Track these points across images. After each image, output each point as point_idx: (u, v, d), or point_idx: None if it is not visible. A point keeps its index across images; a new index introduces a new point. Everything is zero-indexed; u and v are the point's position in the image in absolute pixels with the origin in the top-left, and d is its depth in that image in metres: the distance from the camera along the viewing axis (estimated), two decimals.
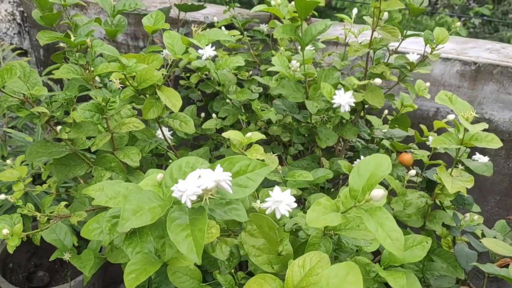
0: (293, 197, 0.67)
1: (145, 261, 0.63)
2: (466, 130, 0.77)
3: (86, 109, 0.82)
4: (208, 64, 1.20)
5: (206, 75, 1.52)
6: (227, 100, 1.35)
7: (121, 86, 0.86)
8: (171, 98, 0.98)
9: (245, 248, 0.65)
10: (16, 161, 1.17)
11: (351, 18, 1.24)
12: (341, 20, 1.23)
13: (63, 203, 0.82)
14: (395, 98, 1.14)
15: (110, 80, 0.90)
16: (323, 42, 1.69)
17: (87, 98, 1.76)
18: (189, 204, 0.50)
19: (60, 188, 1.25)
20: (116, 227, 0.64)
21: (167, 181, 0.65)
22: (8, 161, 1.18)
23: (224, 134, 0.80)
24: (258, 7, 1.02)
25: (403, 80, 1.09)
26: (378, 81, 1.00)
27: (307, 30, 0.99)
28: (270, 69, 1.21)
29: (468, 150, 1.11)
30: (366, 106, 1.12)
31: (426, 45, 1.05)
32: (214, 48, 1.18)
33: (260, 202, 0.70)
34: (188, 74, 1.62)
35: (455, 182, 0.79)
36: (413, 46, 1.68)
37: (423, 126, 1.14)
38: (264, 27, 1.75)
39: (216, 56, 1.38)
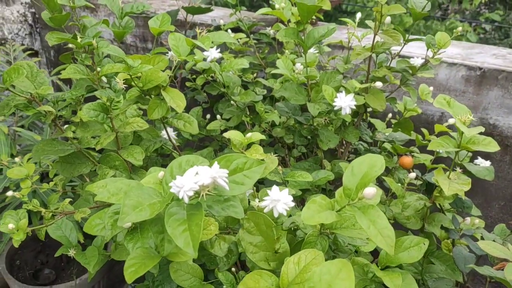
0: (291, 196, 0.68)
1: (144, 256, 0.65)
2: (463, 133, 0.78)
3: (91, 108, 0.84)
4: (213, 66, 1.22)
5: (211, 77, 1.55)
6: (232, 102, 1.37)
7: (126, 87, 0.88)
8: (176, 99, 1.00)
9: (243, 245, 0.67)
10: (24, 159, 1.20)
11: (354, 23, 1.26)
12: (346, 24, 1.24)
13: (68, 200, 0.84)
14: (397, 102, 1.15)
15: (115, 81, 0.92)
16: (328, 45, 1.71)
17: (95, 98, 1.79)
18: (186, 200, 0.52)
19: (66, 186, 1.28)
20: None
21: (167, 179, 0.67)
22: (17, 159, 1.21)
23: (225, 134, 0.82)
24: (263, 10, 1.04)
25: (405, 84, 1.10)
26: (379, 84, 1.01)
27: (310, 34, 1.00)
28: (274, 71, 1.23)
29: (470, 154, 1.11)
30: (369, 109, 1.13)
31: (428, 49, 1.06)
32: (219, 50, 1.20)
33: (259, 201, 0.72)
34: (194, 76, 1.65)
35: (452, 185, 0.80)
36: (418, 51, 1.69)
37: (424, 130, 1.15)
38: (270, 30, 1.77)
39: (221, 58, 1.40)
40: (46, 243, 1.97)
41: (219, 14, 2.27)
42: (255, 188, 0.83)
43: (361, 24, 1.42)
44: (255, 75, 1.41)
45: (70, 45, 1.24)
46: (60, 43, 2.13)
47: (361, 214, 0.54)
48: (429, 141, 1.12)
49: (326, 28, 1.01)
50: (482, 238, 0.96)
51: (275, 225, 0.66)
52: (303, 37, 1.00)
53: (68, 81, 2.27)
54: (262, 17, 2.11)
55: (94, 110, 0.85)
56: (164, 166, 1.46)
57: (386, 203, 0.99)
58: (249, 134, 0.80)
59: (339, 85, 1.05)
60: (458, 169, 0.88)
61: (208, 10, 1.78)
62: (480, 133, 1.78)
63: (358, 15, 1.25)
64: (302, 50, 1.68)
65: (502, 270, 0.79)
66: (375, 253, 0.95)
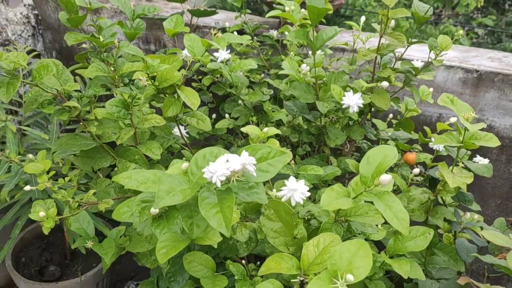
0: (307, 186, 0.73)
1: (173, 239, 0.69)
2: (466, 129, 0.83)
3: (113, 104, 0.88)
4: (223, 67, 1.26)
5: (217, 77, 1.59)
6: (239, 102, 1.41)
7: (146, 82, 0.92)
8: (190, 97, 1.04)
9: (264, 230, 0.71)
10: (38, 155, 1.23)
11: (359, 26, 1.31)
12: (350, 27, 1.29)
13: (92, 191, 0.88)
14: (400, 102, 1.20)
15: (133, 80, 0.96)
16: (330, 48, 1.76)
17: (102, 99, 1.82)
18: (218, 184, 0.56)
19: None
20: (146, 210, 0.70)
21: (192, 169, 0.71)
22: (30, 156, 1.25)
23: (243, 129, 0.86)
24: (273, 12, 1.08)
25: (408, 84, 1.15)
26: (385, 84, 1.06)
27: (318, 35, 1.05)
28: (281, 72, 1.27)
29: (469, 152, 1.17)
30: (372, 109, 1.18)
31: (430, 51, 1.11)
32: (228, 51, 1.25)
33: (276, 191, 0.76)
34: (200, 77, 1.69)
35: (455, 178, 0.85)
36: (418, 54, 1.75)
37: (427, 128, 1.20)
38: (274, 33, 1.82)
39: (228, 59, 1.45)
40: (50, 241, 2.00)
41: (221, 17, 2.32)
42: (269, 181, 0.87)
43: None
44: (262, 75, 1.46)
45: (83, 45, 1.29)
46: (62, 46, 2.14)
47: (377, 200, 0.59)
48: (431, 138, 1.17)
49: (334, 30, 1.06)
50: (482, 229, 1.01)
51: (294, 212, 0.71)
52: (312, 39, 1.04)
53: (75, 80, 2.30)
54: (265, 20, 2.16)
55: (116, 106, 0.89)
56: None
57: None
58: (265, 129, 0.84)
59: (346, 85, 1.10)
60: (461, 164, 0.93)
61: (213, 13, 1.83)
62: None
63: (363, 18, 1.30)
64: (306, 52, 1.74)
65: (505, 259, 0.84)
66: (380, 247, 1.00)
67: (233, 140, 1.62)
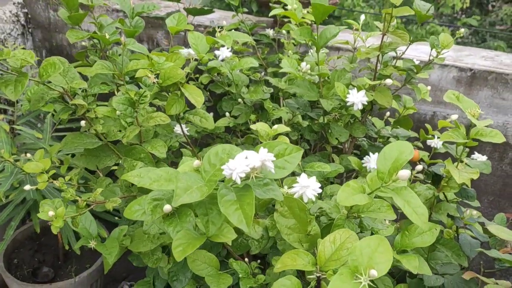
0: (319, 183, 0.73)
1: (189, 237, 0.68)
2: (472, 125, 0.84)
3: (120, 102, 0.88)
4: (224, 65, 1.26)
5: (215, 76, 1.59)
6: (239, 100, 1.41)
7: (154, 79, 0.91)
8: (194, 95, 1.04)
9: (278, 227, 0.71)
10: (36, 154, 1.22)
11: (359, 24, 1.32)
12: (350, 26, 1.30)
13: (99, 190, 0.87)
14: (400, 100, 1.21)
15: (134, 78, 0.95)
16: (326, 47, 1.77)
17: (99, 97, 1.80)
18: (238, 181, 0.56)
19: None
20: (158, 208, 0.70)
21: (205, 166, 0.71)
22: (28, 155, 1.23)
23: (252, 127, 0.86)
24: (276, 11, 1.09)
25: (410, 82, 1.16)
26: (389, 81, 1.07)
27: (322, 34, 1.06)
28: (281, 70, 1.27)
29: (468, 150, 1.18)
30: (373, 107, 1.19)
31: (432, 49, 1.12)
32: (230, 49, 1.24)
33: (288, 188, 0.76)
34: (197, 75, 1.68)
35: (462, 174, 0.86)
36: (413, 53, 1.76)
37: (428, 126, 1.21)
38: (270, 32, 1.82)
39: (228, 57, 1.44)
40: (42, 242, 1.97)
41: (216, 16, 2.31)
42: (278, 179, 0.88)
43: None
44: (262, 74, 1.46)
45: (83, 43, 1.27)
46: (52, 44, 2.12)
47: (396, 195, 0.59)
48: (433, 135, 1.19)
49: (338, 29, 1.07)
50: (484, 227, 1.03)
51: (308, 208, 0.71)
52: (315, 37, 1.05)
53: None
54: (259, 19, 2.16)
55: (122, 104, 0.88)
56: (172, 162, 1.49)
57: None
58: (275, 126, 0.84)
59: (349, 83, 1.10)
60: (465, 160, 0.94)
61: (210, 11, 1.82)
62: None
63: (362, 17, 1.31)
64: (302, 51, 1.74)
65: (509, 254, 0.86)
66: None
67: (231, 138, 1.62)
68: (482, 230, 1.10)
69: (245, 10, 1.81)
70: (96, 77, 1.13)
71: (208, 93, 1.75)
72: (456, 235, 1.04)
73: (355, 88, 1.03)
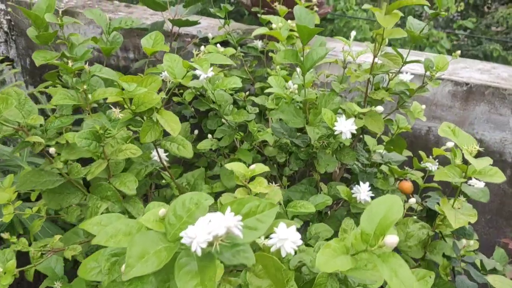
0: (299, 234, 0.65)
1: None
2: (469, 163, 0.77)
3: (82, 137, 0.79)
4: (205, 85, 1.18)
5: (200, 92, 1.50)
6: (223, 120, 1.33)
7: (120, 114, 0.83)
8: (170, 122, 0.96)
9: None
10: (5, 181, 1.13)
11: (350, 37, 1.24)
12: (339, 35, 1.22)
13: (58, 237, 0.78)
14: (393, 123, 1.13)
15: (109, 107, 0.87)
16: None
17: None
18: (199, 252, 0.48)
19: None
20: (116, 266, 0.62)
21: (170, 218, 0.63)
22: None
23: (227, 166, 0.78)
24: (260, 30, 1.01)
25: (402, 106, 1.09)
26: (380, 108, 0.99)
27: (309, 56, 0.98)
28: (267, 90, 1.20)
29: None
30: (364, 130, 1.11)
31: (426, 72, 1.05)
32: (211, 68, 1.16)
33: (265, 238, 0.69)
34: (181, 90, 1.60)
35: (458, 216, 0.79)
36: (408, 66, 1.69)
37: (422, 153, 1.14)
38: (258, 44, 1.74)
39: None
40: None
41: (203, 25, 2.22)
42: None
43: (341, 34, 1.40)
44: (247, 93, 1.38)
45: (55, 62, 1.19)
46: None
47: (381, 263, 0.51)
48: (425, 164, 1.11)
49: (325, 50, 0.99)
50: (482, 265, 0.95)
51: (285, 268, 0.63)
52: (301, 59, 0.97)
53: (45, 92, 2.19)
54: (249, 27, 2.08)
55: (86, 139, 0.80)
56: (155, 185, 1.41)
57: None
58: (252, 166, 0.76)
59: (337, 108, 1.03)
60: (461, 197, 0.87)
61: (195, 23, 1.74)
62: None
63: (353, 33, 1.23)
64: (293, 65, 1.66)
65: None
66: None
67: (216, 157, 1.54)
68: (480, 264, 1.02)
69: (232, 21, 1.74)
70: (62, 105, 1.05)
71: (193, 109, 1.67)
72: (452, 274, 0.97)
73: (344, 115, 0.96)
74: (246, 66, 1.67)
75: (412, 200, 0.97)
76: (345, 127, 0.93)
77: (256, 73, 1.69)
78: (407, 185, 1.04)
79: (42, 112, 1.99)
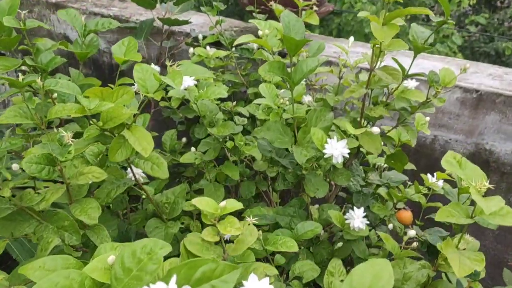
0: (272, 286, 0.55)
1: None
2: (476, 203, 0.66)
3: (33, 162, 0.69)
4: (187, 95, 1.08)
5: (186, 99, 1.40)
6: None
7: (72, 141, 0.73)
8: (142, 141, 0.86)
9: None
10: None
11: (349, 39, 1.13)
12: (339, 33, 1.11)
13: (1, 276, 0.69)
14: (393, 140, 1.02)
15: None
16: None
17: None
18: None
19: None
20: None
21: (117, 271, 0.53)
22: None
23: (194, 202, 0.67)
24: (244, 38, 0.90)
25: (403, 123, 0.98)
26: (376, 130, 0.88)
27: (298, 68, 0.87)
28: (256, 101, 1.09)
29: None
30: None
31: (430, 87, 0.93)
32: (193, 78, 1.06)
33: None
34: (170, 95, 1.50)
35: (463, 262, 0.68)
36: (414, 69, 1.56)
37: (424, 176, 1.03)
38: (254, 45, 1.63)
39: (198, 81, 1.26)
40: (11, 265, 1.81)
41: (198, 22, 2.11)
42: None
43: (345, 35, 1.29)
44: (234, 103, 1.27)
45: (22, 67, 1.09)
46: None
47: None
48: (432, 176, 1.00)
49: (317, 61, 0.88)
50: None
51: None
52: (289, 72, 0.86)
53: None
54: (246, 26, 1.97)
55: (37, 163, 0.70)
56: (132, 196, 1.30)
57: None
58: (222, 203, 0.66)
59: (329, 125, 0.92)
60: (467, 236, 0.76)
61: (185, 22, 1.64)
62: (475, 160, 1.66)
63: (351, 39, 1.12)
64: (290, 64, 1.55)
65: None
66: None
67: (204, 167, 1.44)
68: None
69: (224, 20, 1.62)
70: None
71: (182, 115, 1.57)
72: None
73: (336, 134, 0.85)
74: (239, 70, 1.56)
75: (412, 233, 0.86)
76: (336, 149, 0.83)
77: (250, 76, 1.58)
78: (406, 215, 0.94)
79: None
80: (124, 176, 1.00)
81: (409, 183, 1.21)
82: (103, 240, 0.81)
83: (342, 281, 0.73)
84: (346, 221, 0.95)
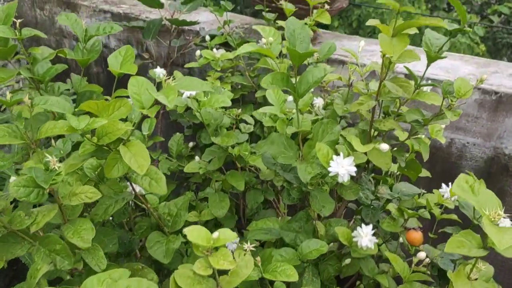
0: None
1: None
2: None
3: (20, 185, 0.66)
4: (189, 104, 1.04)
5: None
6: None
7: (58, 167, 0.69)
8: (138, 157, 0.82)
9: None
10: None
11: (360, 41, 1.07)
12: (356, 30, 1.06)
13: None
14: (404, 153, 0.97)
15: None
16: (327, 60, 1.52)
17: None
18: None
19: None
20: None
21: None
22: None
23: (186, 232, 0.64)
24: (246, 47, 0.85)
25: (415, 135, 0.92)
26: (385, 147, 0.83)
27: (303, 78, 0.82)
28: (261, 110, 1.04)
29: None
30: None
31: (444, 98, 0.88)
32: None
33: None
34: None
35: None
36: (431, 70, 1.49)
37: (436, 191, 0.97)
38: (263, 45, 1.58)
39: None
40: (20, 269, 1.82)
41: (208, 19, 2.07)
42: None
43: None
44: (239, 110, 1.23)
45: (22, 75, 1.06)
46: (39, 45, 1.91)
47: None
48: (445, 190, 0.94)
49: (323, 71, 0.83)
50: None
51: None
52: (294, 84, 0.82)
53: None
54: (256, 23, 1.92)
55: (25, 187, 0.67)
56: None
57: None
58: (215, 234, 0.62)
59: (336, 139, 0.87)
60: (480, 265, 0.71)
61: (193, 23, 1.60)
62: (493, 165, 1.58)
63: (362, 43, 1.06)
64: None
65: None
66: None
67: (211, 174, 1.40)
68: None
69: (233, 20, 1.57)
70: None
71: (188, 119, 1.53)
72: None
73: (342, 153, 0.80)
74: (248, 71, 1.52)
75: (422, 255, 0.81)
76: (342, 168, 0.78)
77: (259, 78, 1.53)
78: (416, 237, 0.89)
79: None
80: (123, 189, 0.97)
81: (424, 191, 1.15)
82: (98, 261, 0.78)
83: None
84: (354, 239, 0.91)
